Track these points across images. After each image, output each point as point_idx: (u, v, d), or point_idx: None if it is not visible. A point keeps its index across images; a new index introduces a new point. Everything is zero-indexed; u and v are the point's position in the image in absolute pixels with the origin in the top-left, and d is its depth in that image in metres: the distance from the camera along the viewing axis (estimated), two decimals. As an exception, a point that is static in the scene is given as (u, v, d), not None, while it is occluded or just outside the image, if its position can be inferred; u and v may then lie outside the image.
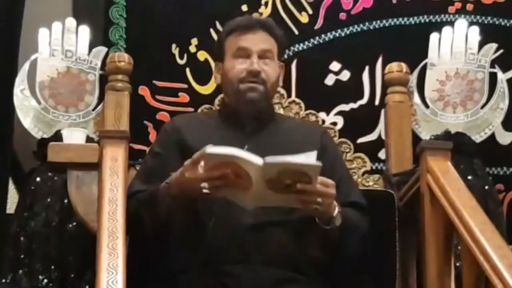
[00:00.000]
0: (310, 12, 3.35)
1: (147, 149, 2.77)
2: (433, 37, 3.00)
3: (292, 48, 3.30)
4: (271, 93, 2.51)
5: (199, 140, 2.33)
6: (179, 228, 2.32)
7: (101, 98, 2.89)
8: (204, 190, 2.13)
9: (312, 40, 3.34)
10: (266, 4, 3.33)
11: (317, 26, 3.35)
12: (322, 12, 3.36)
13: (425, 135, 2.93)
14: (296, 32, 3.34)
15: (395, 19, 3.38)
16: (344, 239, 2.34)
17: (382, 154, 3.12)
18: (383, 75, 3.04)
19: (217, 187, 2.13)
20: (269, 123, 2.49)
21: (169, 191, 2.25)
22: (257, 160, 2.07)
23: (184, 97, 3.25)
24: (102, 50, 2.98)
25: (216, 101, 2.78)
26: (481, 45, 3.01)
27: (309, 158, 2.09)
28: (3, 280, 2.64)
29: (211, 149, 2.08)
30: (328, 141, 2.57)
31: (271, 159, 2.07)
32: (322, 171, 2.19)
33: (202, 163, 2.12)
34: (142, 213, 2.30)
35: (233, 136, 2.40)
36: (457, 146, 2.68)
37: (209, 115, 2.61)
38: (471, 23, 3.10)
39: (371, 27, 3.37)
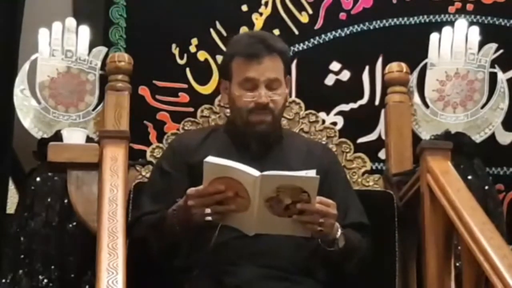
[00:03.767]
0: (310, 12, 3.35)
1: (147, 149, 2.77)
2: (433, 37, 3.00)
3: (292, 48, 3.29)
4: (280, 117, 2.50)
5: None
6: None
7: (101, 98, 2.88)
8: (207, 218, 2.15)
9: (312, 40, 3.34)
10: (266, 4, 3.33)
11: (317, 26, 3.35)
12: (322, 12, 3.36)
13: (425, 135, 2.93)
14: (296, 32, 3.33)
15: (395, 19, 3.38)
16: (346, 262, 2.34)
17: (382, 154, 3.12)
18: (383, 75, 3.03)
19: (219, 213, 2.14)
20: (276, 144, 2.48)
21: (176, 218, 2.24)
22: (254, 172, 2.08)
23: (184, 97, 3.25)
24: (102, 50, 2.98)
25: (216, 101, 2.77)
26: (481, 45, 3.01)
27: (308, 173, 2.10)
28: (3, 280, 2.65)
29: (209, 159, 2.10)
30: (331, 161, 2.55)
31: (268, 172, 2.08)
32: (323, 191, 2.20)
33: (204, 183, 2.13)
34: (149, 237, 2.30)
35: (240, 158, 2.31)
36: (457, 146, 2.68)
37: (215, 131, 2.56)
38: (471, 23, 3.10)
39: (371, 27, 3.37)
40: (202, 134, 2.54)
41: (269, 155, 2.43)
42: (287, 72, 2.48)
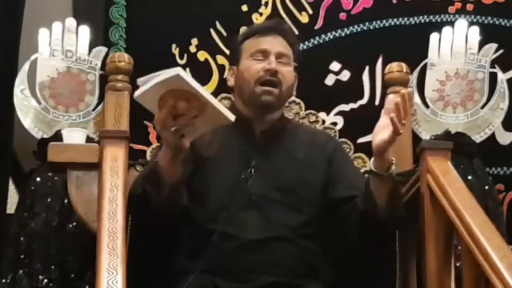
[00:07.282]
0: (310, 12, 3.35)
1: (147, 149, 2.77)
2: (433, 37, 3.00)
3: (292, 48, 3.29)
4: (285, 98, 2.49)
5: (209, 149, 2.36)
6: (185, 233, 2.34)
7: (101, 98, 2.89)
8: (173, 129, 2.14)
9: (312, 40, 3.34)
10: (266, 4, 3.33)
11: (317, 26, 3.35)
12: (322, 12, 3.36)
13: (425, 135, 2.93)
14: (296, 32, 3.32)
15: (395, 19, 3.38)
16: (396, 200, 2.34)
17: (382, 154, 3.11)
18: (383, 75, 3.04)
19: (186, 124, 2.12)
20: (280, 136, 2.47)
21: (159, 157, 2.24)
22: (173, 71, 2.12)
23: (184, 97, 3.24)
24: (102, 50, 2.98)
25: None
26: (481, 45, 3.01)
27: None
28: (3, 280, 2.65)
29: (137, 93, 2.16)
30: (335, 147, 2.55)
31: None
32: (329, 176, 2.36)
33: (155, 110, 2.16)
34: (145, 189, 2.28)
35: (243, 147, 2.36)
36: (457, 146, 2.68)
37: None
38: (471, 23, 3.10)
39: (371, 27, 3.37)
40: None
41: (273, 144, 2.42)
42: (295, 66, 2.50)
